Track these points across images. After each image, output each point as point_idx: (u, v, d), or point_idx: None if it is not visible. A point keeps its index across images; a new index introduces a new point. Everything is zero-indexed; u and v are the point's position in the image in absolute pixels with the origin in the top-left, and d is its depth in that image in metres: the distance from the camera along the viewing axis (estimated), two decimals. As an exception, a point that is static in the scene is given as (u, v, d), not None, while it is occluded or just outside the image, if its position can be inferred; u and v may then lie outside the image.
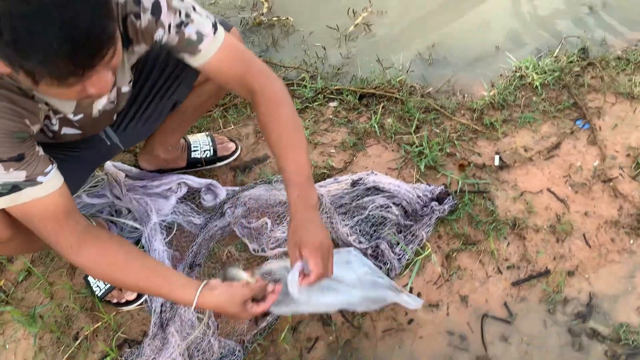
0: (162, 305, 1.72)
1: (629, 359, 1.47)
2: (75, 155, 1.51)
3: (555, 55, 2.22)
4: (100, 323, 1.75)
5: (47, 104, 1.23)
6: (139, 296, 1.77)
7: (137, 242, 1.87)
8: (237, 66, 1.37)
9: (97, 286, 1.78)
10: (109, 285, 1.76)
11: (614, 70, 2.10)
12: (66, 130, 1.36)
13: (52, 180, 1.25)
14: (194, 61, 1.34)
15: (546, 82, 2.09)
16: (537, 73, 2.13)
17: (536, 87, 2.09)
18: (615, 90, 2.03)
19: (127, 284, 1.40)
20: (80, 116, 1.33)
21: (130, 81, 1.41)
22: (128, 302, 1.77)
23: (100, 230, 1.36)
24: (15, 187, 1.20)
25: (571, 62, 2.16)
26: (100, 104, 1.34)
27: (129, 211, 1.93)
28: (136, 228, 1.89)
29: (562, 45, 2.28)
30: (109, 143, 1.54)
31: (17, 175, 1.18)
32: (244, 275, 1.37)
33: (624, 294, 1.58)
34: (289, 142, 1.38)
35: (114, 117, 1.50)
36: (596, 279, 1.61)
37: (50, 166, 1.25)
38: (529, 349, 1.53)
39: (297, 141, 1.40)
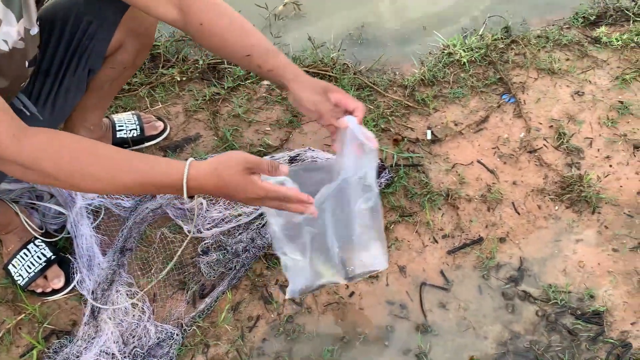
0: (92, 292, 1.63)
1: (558, 316, 1.54)
2: None
3: (480, 33, 2.29)
4: (23, 315, 1.63)
5: None
6: (67, 284, 1.67)
7: (62, 228, 1.76)
8: None
9: (20, 275, 1.66)
10: (32, 273, 1.65)
11: (535, 48, 2.19)
12: None
13: None
14: None
15: (473, 59, 2.16)
16: (464, 50, 2.19)
17: (464, 64, 2.15)
18: (537, 66, 2.12)
19: (97, 174, 1.11)
20: None
21: (38, 20, 1.30)
22: (54, 291, 1.67)
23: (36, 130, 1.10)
24: None
25: (496, 39, 2.23)
26: (7, 35, 1.20)
27: (52, 196, 1.81)
28: (61, 213, 1.78)
29: (486, 24, 2.35)
30: (28, 113, 1.43)
31: None
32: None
33: (552, 257, 1.66)
34: (245, 24, 1.30)
35: (28, 70, 1.37)
36: (526, 244, 1.69)
37: None
38: (466, 313, 1.58)
39: (252, 26, 1.31)
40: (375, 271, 1.44)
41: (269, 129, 2.02)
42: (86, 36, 1.49)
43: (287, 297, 1.44)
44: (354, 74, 2.15)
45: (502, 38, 2.25)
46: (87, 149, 1.12)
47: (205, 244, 1.71)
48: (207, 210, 1.80)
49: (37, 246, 1.70)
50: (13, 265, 1.67)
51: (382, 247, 1.39)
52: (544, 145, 1.89)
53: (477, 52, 2.18)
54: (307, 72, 2.17)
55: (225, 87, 2.15)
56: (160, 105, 2.11)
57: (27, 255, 1.68)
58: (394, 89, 2.11)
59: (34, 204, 1.78)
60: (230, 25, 1.30)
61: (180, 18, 1.31)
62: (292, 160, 1.84)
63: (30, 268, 1.66)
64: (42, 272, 1.66)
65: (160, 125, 2.00)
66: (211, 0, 1.31)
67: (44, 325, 1.60)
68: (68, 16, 1.48)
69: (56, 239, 1.74)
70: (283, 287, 1.65)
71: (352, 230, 1.34)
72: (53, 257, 1.69)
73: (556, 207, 1.75)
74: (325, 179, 1.25)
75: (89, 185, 1.13)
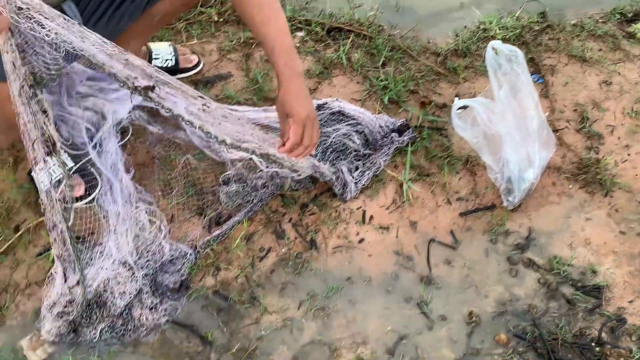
0: (112, 204, 1.68)
1: (559, 285, 1.59)
2: None
3: (516, 15, 2.31)
4: (43, 218, 1.68)
5: None
6: (88, 194, 1.71)
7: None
8: None
9: (42, 182, 1.70)
10: (54, 181, 1.69)
11: (569, 35, 2.21)
12: None
13: None
14: None
15: (507, 37, 2.18)
16: (499, 28, 2.21)
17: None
18: (568, 53, 2.14)
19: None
20: None
21: None
22: (75, 200, 1.71)
23: None
24: None
25: (532, 22, 2.25)
26: None
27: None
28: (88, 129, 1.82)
29: (522, 8, 2.37)
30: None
31: None
32: None
33: (559, 231, 1.70)
34: (270, 11, 1.40)
35: None
36: (536, 217, 1.73)
37: None
38: (470, 272, 1.62)
39: (278, 12, 1.42)
40: None
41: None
42: None
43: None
44: (389, 36, 2.18)
45: (538, 22, 2.27)
46: None
47: (227, 174, 1.76)
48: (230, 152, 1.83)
49: (60, 156, 1.73)
50: (36, 172, 1.71)
51: None
52: (566, 126, 1.92)
53: (512, 31, 2.20)
54: (341, 28, 2.21)
55: (261, 34, 2.18)
56: (196, 41, 2.15)
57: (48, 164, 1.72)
58: (427, 55, 2.14)
59: (65, 115, 1.82)
60: (257, 10, 1.40)
61: None
62: (319, 107, 1.88)
63: (52, 175, 1.70)
64: (62, 180, 1.70)
65: (194, 58, 2.04)
66: None
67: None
68: None
69: (81, 152, 1.78)
70: (295, 225, 1.70)
71: None
72: (74, 166, 1.73)
73: (570, 186, 1.79)
74: None
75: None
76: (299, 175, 1.69)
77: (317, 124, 1.43)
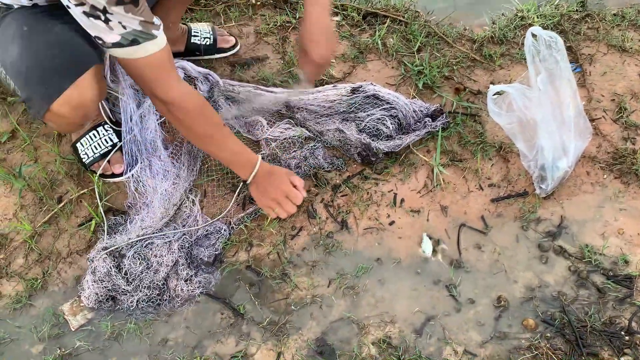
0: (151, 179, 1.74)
1: (589, 274, 1.58)
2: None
3: (555, 4, 2.28)
4: (86, 190, 1.75)
5: None
6: (126, 170, 1.77)
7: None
8: None
9: (85, 154, 1.77)
10: (97, 154, 1.76)
11: (609, 24, 2.18)
12: None
13: (162, 33, 1.33)
14: None
15: (545, 25, 2.15)
16: (537, 16, 2.19)
17: (535, 29, 2.15)
18: (608, 42, 2.11)
19: (215, 141, 1.60)
20: None
21: None
22: (114, 175, 1.78)
23: (193, 89, 1.55)
24: (134, 41, 1.27)
25: (571, 11, 2.22)
26: None
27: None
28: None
29: (562, -3, 2.34)
30: None
31: (132, 22, 1.24)
32: None
33: (592, 221, 1.69)
34: None
35: None
36: (569, 205, 1.72)
37: (156, 17, 1.30)
38: (500, 257, 1.63)
39: None
40: None
41: (334, 61, 2.07)
42: None
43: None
44: (425, 21, 2.18)
45: (577, 10, 2.23)
46: (218, 124, 1.59)
47: (261, 154, 1.79)
48: (267, 129, 1.86)
49: (106, 130, 1.80)
50: (81, 143, 1.78)
51: None
52: (603, 116, 1.90)
53: (550, 19, 2.18)
54: (377, 14, 2.21)
55: (297, 17, 2.20)
56: (234, 24, 2.18)
57: (95, 137, 1.78)
58: (463, 41, 2.13)
59: (109, 93, 1.87)
60: None
61: None
62: (354, 90, 1.90)
63: (96, 149, 1.77)
64: (106, 155, 1.77)
65: (232, 40, 2.08)
66: None
67: (103, 201, 1.71)
68: None
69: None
70: (327, 206, 1.73)
71: None
72: (118, 143, 1.79)
73: (605, 176, 1.77)
74: None
75: (202, 143, 1.64)
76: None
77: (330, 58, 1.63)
